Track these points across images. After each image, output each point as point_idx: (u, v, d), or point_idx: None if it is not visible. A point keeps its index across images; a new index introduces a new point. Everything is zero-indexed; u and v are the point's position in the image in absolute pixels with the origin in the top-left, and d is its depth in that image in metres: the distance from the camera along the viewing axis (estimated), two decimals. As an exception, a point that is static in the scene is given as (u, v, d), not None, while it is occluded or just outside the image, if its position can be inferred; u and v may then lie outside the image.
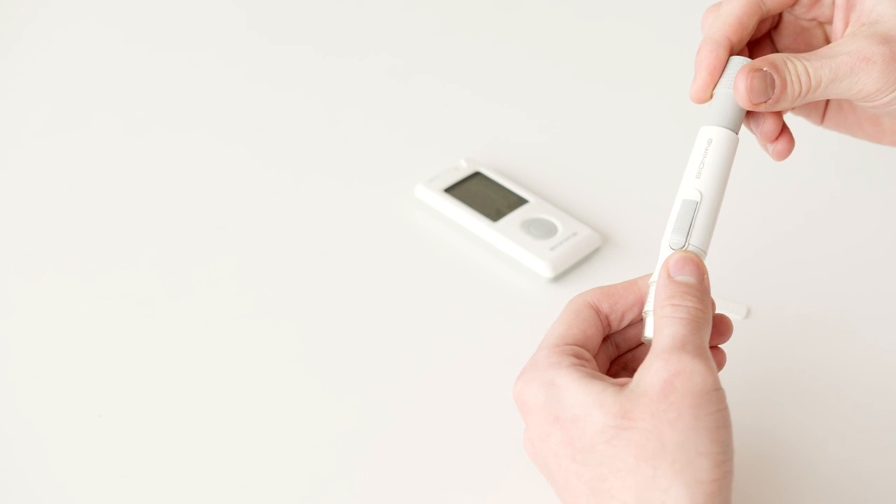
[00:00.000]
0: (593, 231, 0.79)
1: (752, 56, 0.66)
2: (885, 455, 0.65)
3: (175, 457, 0.64)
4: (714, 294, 0.74)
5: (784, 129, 0.63)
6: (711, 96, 0.62)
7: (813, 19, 0.66)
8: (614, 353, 0.61)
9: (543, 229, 0.78)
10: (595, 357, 0.58)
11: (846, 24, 0.63)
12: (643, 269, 0.77)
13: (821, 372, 0.70)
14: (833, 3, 0.64)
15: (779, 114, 0.63)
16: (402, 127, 0.92)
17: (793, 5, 0.65)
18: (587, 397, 0.53)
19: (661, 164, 0.88)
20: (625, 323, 0.59)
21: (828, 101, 0.69)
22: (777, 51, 0.68)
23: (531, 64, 0.99)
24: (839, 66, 0.61)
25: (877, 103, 0.61)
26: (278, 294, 0.75)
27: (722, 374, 0.69)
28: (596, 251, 0.79)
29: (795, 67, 0.61)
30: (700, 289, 0.56)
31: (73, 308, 0.74)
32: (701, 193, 0.59)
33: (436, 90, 0.96)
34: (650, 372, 0.52)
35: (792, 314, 0.74)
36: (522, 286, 0.76)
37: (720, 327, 0.59)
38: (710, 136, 0.60)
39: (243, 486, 0.63)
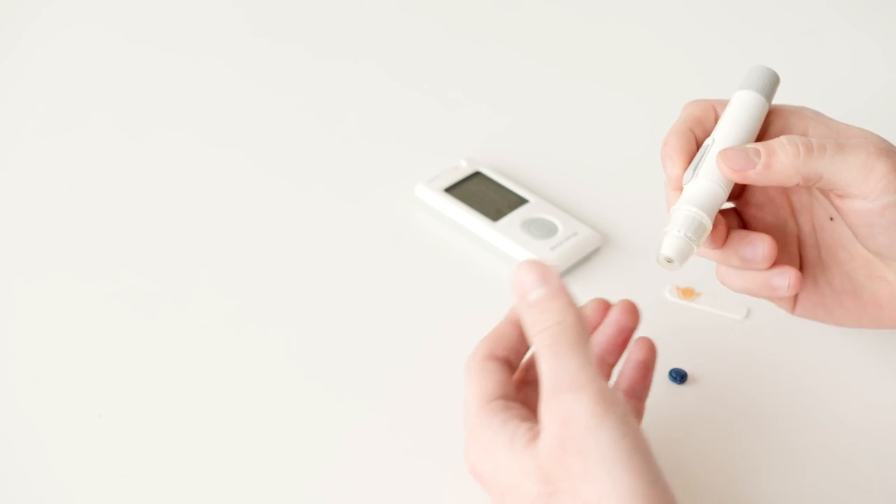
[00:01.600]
0: (593, 231, 0.79)
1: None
2: (885, 454, 0.65)
3: (175, 457, 0.64)
4: (714, 294, 0.74)
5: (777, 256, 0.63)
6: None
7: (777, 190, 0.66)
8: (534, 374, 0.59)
9: (543, 229, 0.78)
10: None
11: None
12: (643, 269, 0.77)
13: (821, 372, 0.70)
14: None
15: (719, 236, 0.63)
16: (403, 127, 0.92)
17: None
18: (515, 466, 0.52)
19: (661, 165, 0.88)
20: (527, 350, 0.59)
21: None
22: (744, 219, 0.68)
23: (531, 64, 0.99)
24: (846, 144, 0.60)
25: (874, 203, 0.60)
26: (278, 294, 0.75)
27: (722, 374, 0.69)
28: (596, 251, 0.79)
29: (790, 137, 0.60)
30: (552, 294, 0.53)
31: (73, 308, 0.74)
32: (713, 139, 0.63)
33: (436, 90, 0.96)
34: (544, 427, 0.51)
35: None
36: (522, 286, 0.76)
37: (623, 313, 0.59)
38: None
39: (243, 485, 0.63)
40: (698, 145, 0.64)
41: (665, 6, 1.07)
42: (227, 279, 0.76)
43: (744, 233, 0.65)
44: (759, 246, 0.64)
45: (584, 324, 0.53)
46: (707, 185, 0.62)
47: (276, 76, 0.97)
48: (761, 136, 0.65)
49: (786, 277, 0.64)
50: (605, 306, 0.62)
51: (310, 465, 0.64)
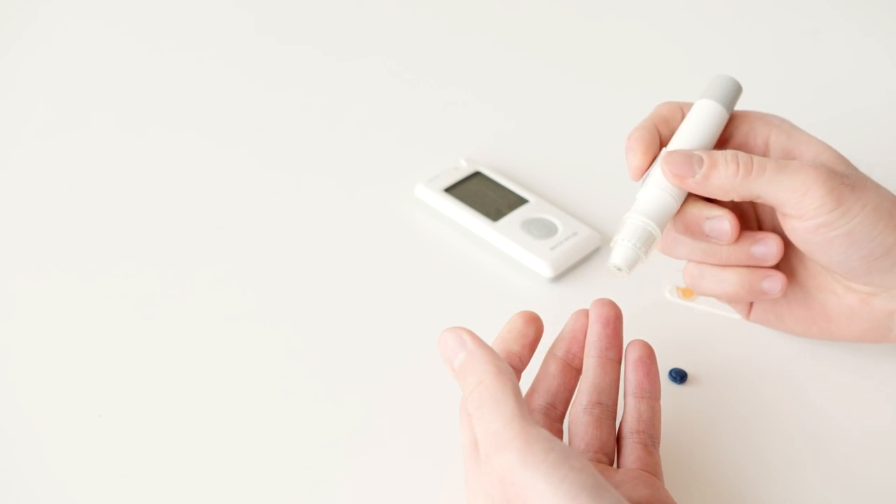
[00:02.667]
0: (593, 231, 0.79)
1: None
2: (885, 454, 0.65)
3: (175, 456, 0.64)
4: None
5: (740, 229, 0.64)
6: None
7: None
8: None
9: (543, 229, 0.78)
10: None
11: None
12: (643, 269, 0.77)
13: (821, 372, 0.70)
14: (767, 152, 0.65)
15: (735, 223, 0.63)
16: (403, 127, 0.92)
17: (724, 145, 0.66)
18: None
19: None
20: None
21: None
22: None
23: (532, 64, 1.00)
24: (788, 164, 0.61)
25: (818, 222, 0.61)
26: (278, 294, 0.75)
27: (722, 374, 0.69)
28: (596, 251, 0.79)
29: (734, 153, 0.62)
30: (468, 357, 0.54)
31: (73, 308, 0.74)
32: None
33: (436, 90, 0.96)
34: (487, 491, 0.52)
35: (792, 314, 0.73)
36: (522, 286, 0.76)
37: (523, 327, 0.60)
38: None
39: (243, 485, 0.63)
40: (662, 144, 0.65)
41: (666, 6, 1.07)
42: (227, 279, 0.76)
43: (751, 232, 0.66)
44: (773, 244, 0.65)
45: (504, 377, 0.53)
46: (658, 194, 0.63)
47: (276, 75, 0.97)
48: (725, 139, 0.66)
49: (778, 281, 0.66)
50: (586, 313, 0.63)
51: (310, 464, 0.64)
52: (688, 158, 0.62)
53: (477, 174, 0.83)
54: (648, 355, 0.62)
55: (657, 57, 1.01)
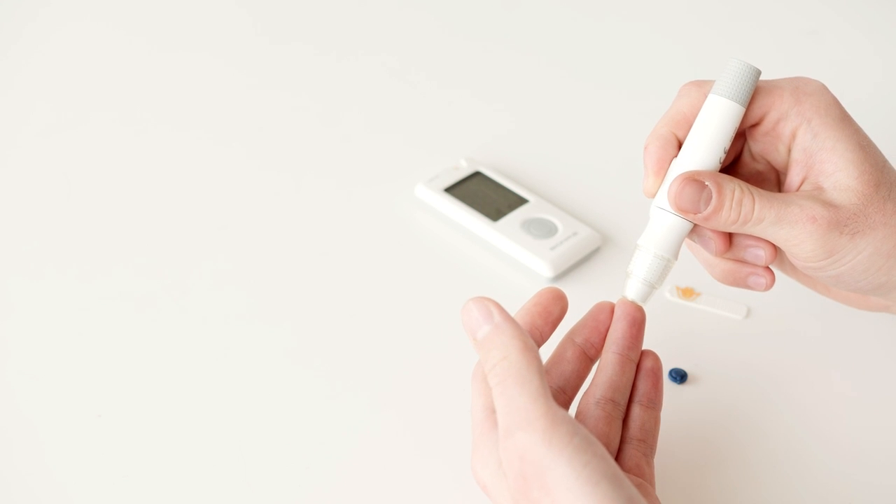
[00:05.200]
0: (593, 231, 0.79)
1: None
2: (885, 454, 0.65)
3: (175, 456, 0.64)
4: (714, 294, 0.74)
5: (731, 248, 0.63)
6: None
7: (768, 163, 0.65)
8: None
9: (543, 229, 0.78)
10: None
11: (803, 181, 0.62)
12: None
13: (820, 372, 0.70)
14: (789, 152, 0.63)
15: (725, 239, 0.63)
16: (403, 127, 0.92)
17: (753, 127, 0.64)
18: (503, 487, 0.52)
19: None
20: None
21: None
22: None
23: (531, 64, 0.99)
24: (788, 214, 0.60)
25: (807, 265, 0.61)
26: (278, 294, 0.75)
27: (722, 374, 0.69)
28: (596, 251, 0.79)
29: (741, 196, 0.60)
30: (495, 330, 0.54)
31: (72, 308, 0.73)
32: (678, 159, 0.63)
33: (436, 90, 0.96)
34: (505, 466, 0.51)
35: (792, 314, 0.74)
36: (522, 286, 0.76)
37: (550, 303, 0.59)
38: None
39: (243, 485, 0.63)
40: (679, 147, 0.63)
41: (667, 6, 1.07)
42: (227, 279, 0.76)
43: (746, 238, 0.65)
44: (764, 250, 0.64)
45: (530, 354, 0.52)
46: (672, 220, 0.62)
47: (275, 75, 0.97)
48: (757, 121, 0.63)
49: (763, 280, 0.65)
50: (611, 306, 0.62)
51: (309, 464, 0.64)
52: (698, 194, 0.61)
53: (477, 174, 0.83)
54: (660, 367, 0.62)
55: (657, 57, 1.01)
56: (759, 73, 0.62)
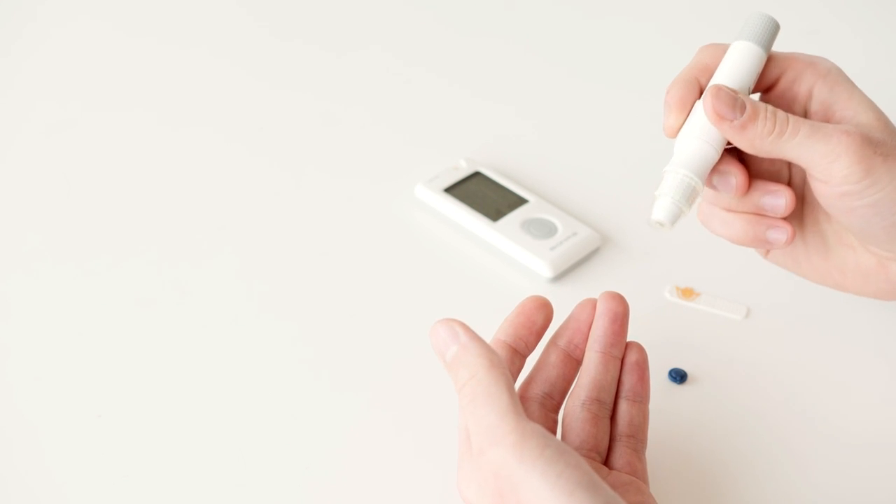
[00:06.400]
0: (593, 231, 0.79)
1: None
2: (885, 454, 0.65)
3: (175, 456, 0.64)
4: (714, 294, 0.74)
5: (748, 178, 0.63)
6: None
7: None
8: None
9: (543, 229, 0.78)
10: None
11: None
12: (643, 269, 0.77)
13: (820, 372, 0.70)
14: (805, 113, 0.63)
15: (746, 176, 0.62)
16: (403, 126, 0.92)
17: (769, 90, 0.64)
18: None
19: (661, 165, 0.88)
20: (519, 372, 0.60)
21: None
22: (740, 157, 0.67)
23: (531, 63, 0.99)
24: (822, 127, 0.60)
25: (843, 189, 0.60)
26: (278, 293, 0.75)
27: (722, 374, 0.69)
28: (596, 251, 0.79)
29: (774, 110, 0.60)
30: (462, 350, 0.54)
31: (72, 308, 0.73)
32: None
33: (436, 89, 0.96)
34: (481, 485, 0.51)
35: (792, 314, 0.74)
36: (522, 286, 0.76)
37: (533, 312, 0.60)
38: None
39: (243, 485, 0.63)
40: (700, 94, 0.63)
41: (668, 6, 1.07)
42: (227, 279, 0.76)
43: (764, 182, 0.64)
44: (783, 197, 0.63)
45: (497, 370, 0.53)
46: (699, 145, 0.61)
47: (275, 75, 0.97)
48: (772, 84, 0.64)
49: (784, 232, 0.64)
50: (593, 303, 0.62)
51: (309, 464, 0.64)
52: (733, 100, 0.60)
53: (477, 174, 0.83)
54: (645, 360, 0.62)
55: (657, 56, 1.01)
56: (778, 25, 0.64)
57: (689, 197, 0.60)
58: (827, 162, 0.59)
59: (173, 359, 0.70)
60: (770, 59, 0.64)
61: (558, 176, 0.85)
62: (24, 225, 0.81)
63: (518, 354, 0.60)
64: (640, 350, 0.62)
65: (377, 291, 0.76)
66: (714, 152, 0.61)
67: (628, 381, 0.61)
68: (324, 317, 0.74)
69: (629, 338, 0.63)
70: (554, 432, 0.60)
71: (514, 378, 0.60)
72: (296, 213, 0.82)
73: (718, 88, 0.60)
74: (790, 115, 0.60)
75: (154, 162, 0.87)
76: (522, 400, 0.60)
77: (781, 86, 0.64)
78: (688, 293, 0.75)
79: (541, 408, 0.60)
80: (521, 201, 0.81)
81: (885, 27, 1.05)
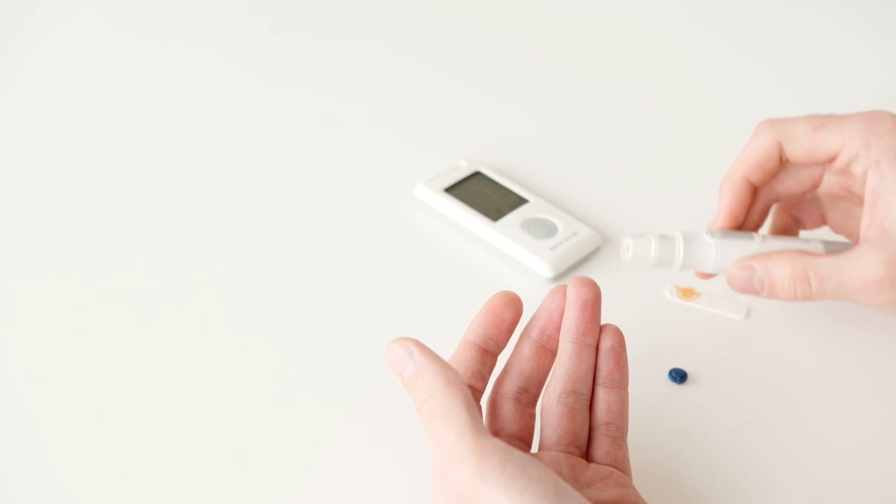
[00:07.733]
0: (593, 231, 0.79)
1: (796, 210, 0.73)
2: (885, 453, 0.65)
3: (175, 456, 0.64)
4: (714, 294, 0.74)
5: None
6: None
7: (847, 188, 0.69)
8: None
9: (543, 229, 0.78)
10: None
11: (870, 224, 0.65)
12: (643, 269, 0.77)
13: (820, 372, 0.70)
14: (863, 188, 0.67)
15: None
16: (403, 126, 0.92)
17: (829, 162, 0.68)
18: None
19: (661, 165, 0.88)
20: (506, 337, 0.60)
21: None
22: (822, 211, 0.73)
23: (532, 63, 1.00)
24: (848, 282, 0.64)
25: (880, 311, 0.66)
26: (278, 294, 0.75)
27: (722, 374, 0.69)
28: (596, 251, 0.79)
29: (794, 276, 0.65)
30: (417, 370, 0.54)
31: (72, 308, 0.73)
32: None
33: (436, 89, 0.96)
34: None
35: (792, 314, 0.74)
36: (522, 286, 0.76)
37: (501, 309, 0.59)
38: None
39: (243, 485, 0.63)
40: (754, 190, 0.69)
41: (668, 6, 1.07)
42: (227, 279, 0.76)
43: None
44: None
45: (453, 387, 0.52)
46: (717, 254, 0.68)
47: (275, 75, 0.97)
48: (834, 157, 0.67)
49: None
50: (564, 291, 0.60)
51: (309, 464, 0.64)
52: (749, 282, 0.67)
53: (477, 174, 0.83)
54: (620, 343, 0.60)
55: (658, 56, 1.01)
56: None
57: (662, 265, 0.68)
58: (858, 301, 0.65)
59: (173, 358, 0.70)
60: (826, 131, 0.67)
61: (558, 176, 0.85)
62: (24, 225, 0.81)
63: (488, 354, 0.59)
64: (615, 333, 0.60)
65: (377, 291, 0.76)
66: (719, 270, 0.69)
67: (605, 367, 0.60)
68: (324, 316, 0.74)
69: (629, 337, 0.62)
70: (531, 428, 0.59)
71: (487, 377, 0.59)
72: (296, 213, 0.82)
73: (731, 275, 0.68)
74: (812, 275, 0.65)
75: (154, 161, 0.87)
76: (496, 397, 0.59)
77: (839, 163, 0.67)
78: (688, 293, 0.75)
79: (516, 404, 0.59)
80: (521, 201, 0.81)
81: (886, 27, 1.05)
